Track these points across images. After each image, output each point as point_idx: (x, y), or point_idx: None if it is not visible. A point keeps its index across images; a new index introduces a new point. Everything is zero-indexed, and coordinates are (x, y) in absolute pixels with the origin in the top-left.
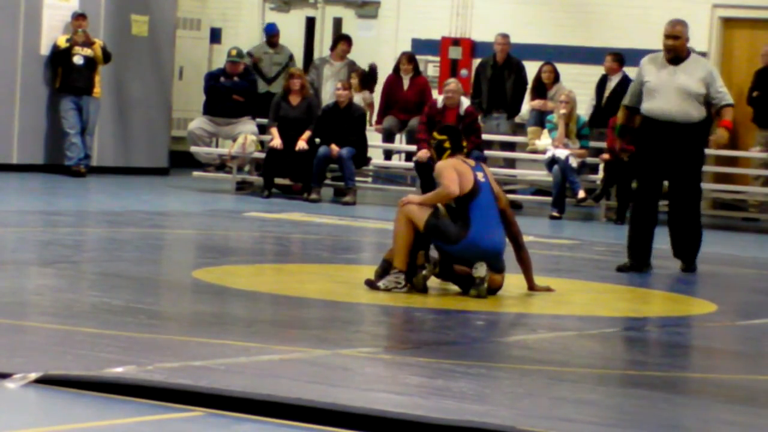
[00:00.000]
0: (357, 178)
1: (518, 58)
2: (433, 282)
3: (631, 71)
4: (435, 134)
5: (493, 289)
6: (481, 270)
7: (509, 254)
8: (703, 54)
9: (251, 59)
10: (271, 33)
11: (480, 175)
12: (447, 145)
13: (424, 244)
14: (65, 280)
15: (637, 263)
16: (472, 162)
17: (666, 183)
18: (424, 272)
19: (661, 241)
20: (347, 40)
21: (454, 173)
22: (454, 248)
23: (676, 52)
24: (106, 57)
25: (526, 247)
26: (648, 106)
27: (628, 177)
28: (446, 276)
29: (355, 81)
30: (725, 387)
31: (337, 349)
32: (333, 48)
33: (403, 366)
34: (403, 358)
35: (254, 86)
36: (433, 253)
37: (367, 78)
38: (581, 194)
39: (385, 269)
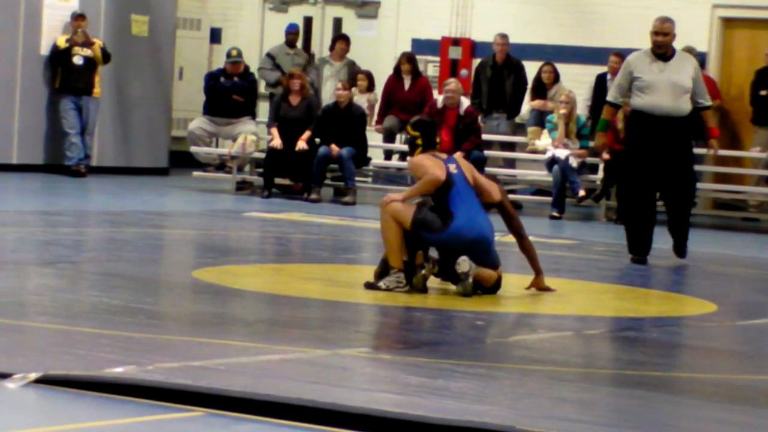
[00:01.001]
0: (357, 178)
1: (518, 58)
2: (433, 282)
3: None
4: (408, 128)
5: (492, 288)
6: (464, 265)
7: (509, 252)
8: (703, 54)
9: (272, 61)
10: (289, 31)
11: (452, 167)
12: (419, 142)
13: (421, 244)
14: (65, 280)
15: (642, 255)
16: (444, 155)
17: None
18: (423, 272)
19: (661, 241)
20: (345, 40)
21: (431, 162)
22: (440, 236)
23: (666, 48)
24: (106, 57)
25: (528, 237)
26: (641, 101)
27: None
28: (446, 276)
29: (363, 83)
30: (725, 387)
31: (337, 349)
32: (332, 48)
33: (403, 366)
34: (403, 358)
35: (254, 86)
36: (433, 253)
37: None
38: (581, 193)
39: (384, 269)
